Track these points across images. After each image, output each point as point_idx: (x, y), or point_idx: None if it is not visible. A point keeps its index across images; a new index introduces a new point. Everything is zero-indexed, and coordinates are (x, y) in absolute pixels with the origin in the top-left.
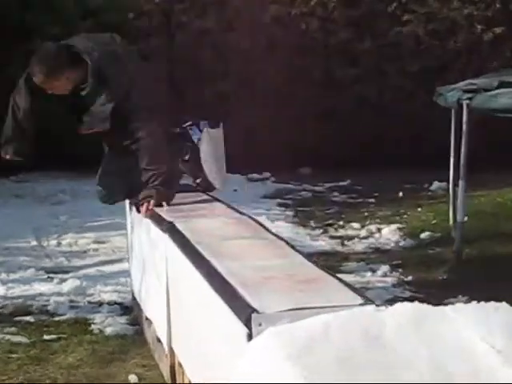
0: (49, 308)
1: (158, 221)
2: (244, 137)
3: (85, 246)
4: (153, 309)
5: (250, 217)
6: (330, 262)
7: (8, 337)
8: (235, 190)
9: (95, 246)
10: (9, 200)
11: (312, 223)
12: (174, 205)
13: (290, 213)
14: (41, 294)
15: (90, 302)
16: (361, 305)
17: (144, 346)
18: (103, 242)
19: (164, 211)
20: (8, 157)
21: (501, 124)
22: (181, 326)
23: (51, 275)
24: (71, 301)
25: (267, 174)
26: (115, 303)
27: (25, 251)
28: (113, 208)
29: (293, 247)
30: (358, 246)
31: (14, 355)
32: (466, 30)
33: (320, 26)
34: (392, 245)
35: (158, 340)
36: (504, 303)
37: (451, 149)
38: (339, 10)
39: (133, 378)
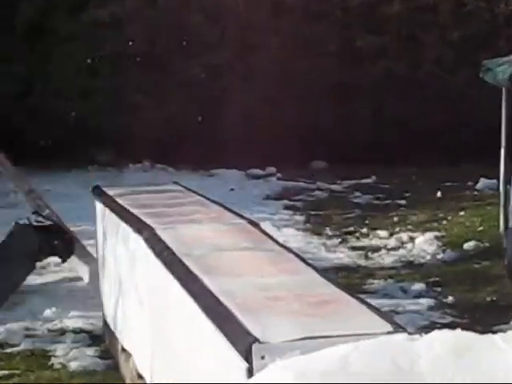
0: None
1: (139, 228)
2: (242, 123)
3: (43, 260)
4: (133, 338)
5: (251, 222)
6: (350, 280)
7: None
8: (232, 190)
9: (57, 259)
10: None
11: (328, 231)
12: (157, 207)
13: (300, 217)
14: None
15: (50, 330)
16: (389, 333)
17: None
18: None
19: (145, 215)
20: None
21: None
22: (165, 358)
23: None
24: (26, 328)
25: (272, 170)
26: (82, 331)
27: None
28: (79, 212)
29: (304, 261)
30: (386, 260)
31: None
32: None
33: None
34: (428, 257)
35: (139, 376)
36: None
37: (502, 137)
38: None
39: None
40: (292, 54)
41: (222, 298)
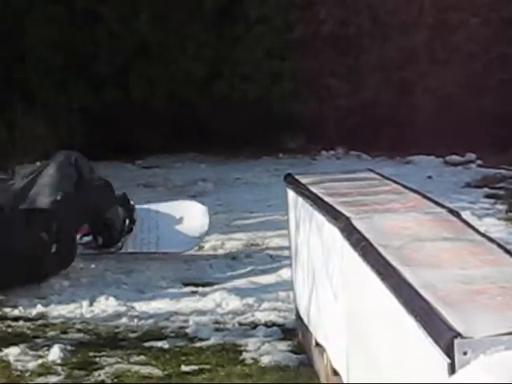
0: (188, 331)
1: (333, 217)
2: (440, 107)
3: (233, 250)
4: (327, 332)
5: (451, 211)
6: None
7: (136, 368)
8: (429, 177)
9: (247, 249)
10: (135, 191)
11: None
12: (352, 196)
13: (502, 207)
14: (177, 313)
15: (240, 324)
16: None
17: (312, 380)
18: (257, 245)
19: (339, 203)
20: None
21: None
22: (362, 354)
23: (190, 288)
24: (216, 321)
25: (471, 156)
26: (274, 324)
27: (155, 257)
28: (270, 201)
29: (508, 252)
30: None
31: None
32: None
33: None
34: None
35: (334, 372)
36: None
37: None
38: None
39: None
40: (493, 35)
41: (422, 291)
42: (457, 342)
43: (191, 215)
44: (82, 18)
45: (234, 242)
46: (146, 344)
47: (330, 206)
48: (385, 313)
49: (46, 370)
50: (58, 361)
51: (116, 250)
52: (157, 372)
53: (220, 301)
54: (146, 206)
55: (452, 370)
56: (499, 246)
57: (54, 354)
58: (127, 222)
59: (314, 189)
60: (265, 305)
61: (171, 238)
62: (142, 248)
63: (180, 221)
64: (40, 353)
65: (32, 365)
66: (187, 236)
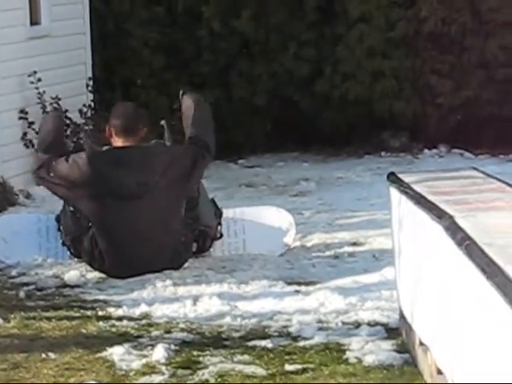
0: (291, 330)
1: (437, 215)
2: None
3: (336, 249)
4: (431, 331)
5: None
6: None
7: (240, 367)
8: None
9: (350, 248)
10: (238, 190)
11: None
12: (455, 194)
13: None
14: (280, 312)
15: (344, 323)
16: None
17: (416, 379)
18: (360, 244)
19: (443, 202)
20: None
21: None
22: (467, 354)
23: (293, 287)
24: (320, 321)
25: None
26: (377, 324)
27: (258, 256)
28: (372, 200)
29: None
30: None
31: None
32: None
33: None
34: None
35: (439, 372)
36: None
37: None
38: None
39: None
40: None
41: None
42: None
43: (277, 222)
44: (183, 19)
45: (337, 241)
46: (250, 343)
47: (434, 204)
48: (491, 313)
49: (150, 369)
50: (162, 360)
51: (207, 255)
52: (260, 371)
53: (323, 300)
54: (231, 210)
55: None
56: None
57: (158, 353)
58: (219, 227)
59: (417, 187)
60: (368, 304)
61: (258, 242)
62: (230, 252)
63: (266, 226)
64: (144, 352)
65: (136, 364)
66: (273, 242)
